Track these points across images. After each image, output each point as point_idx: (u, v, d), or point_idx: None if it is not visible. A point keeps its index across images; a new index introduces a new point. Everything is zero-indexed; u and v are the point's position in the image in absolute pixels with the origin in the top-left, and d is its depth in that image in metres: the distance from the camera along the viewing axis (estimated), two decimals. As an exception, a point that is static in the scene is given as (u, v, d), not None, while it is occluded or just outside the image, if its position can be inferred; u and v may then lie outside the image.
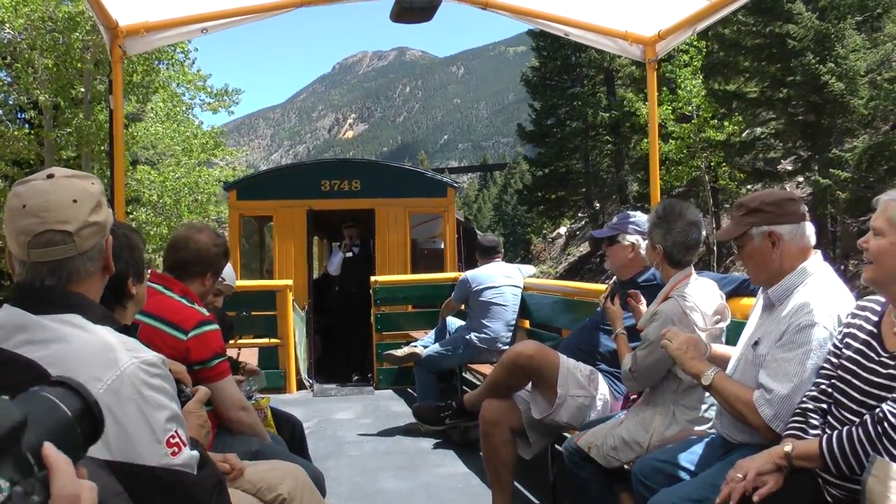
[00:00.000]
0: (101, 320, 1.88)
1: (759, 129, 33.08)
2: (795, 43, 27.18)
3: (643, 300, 4.21)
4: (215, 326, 3.38)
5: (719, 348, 3.44)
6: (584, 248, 46.81)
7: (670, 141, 28.47)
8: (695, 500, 2.84)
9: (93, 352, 1.76)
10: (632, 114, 32.14)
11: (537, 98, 48.29)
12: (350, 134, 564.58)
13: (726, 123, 28.76)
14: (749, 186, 29.90)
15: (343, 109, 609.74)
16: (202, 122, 29.62)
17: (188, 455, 1.83)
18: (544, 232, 59.02)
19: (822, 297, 2.79)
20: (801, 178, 31.45)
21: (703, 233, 3.82)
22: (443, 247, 12.13)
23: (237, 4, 5.49)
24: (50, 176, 1.89)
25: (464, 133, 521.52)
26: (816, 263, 2.93)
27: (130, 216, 24.44)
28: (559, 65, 45.18)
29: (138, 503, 1.66)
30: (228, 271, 4.15)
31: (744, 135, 31.91)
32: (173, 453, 1.79)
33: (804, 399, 2.66)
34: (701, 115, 28.57)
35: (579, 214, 51.53)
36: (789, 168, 31.88)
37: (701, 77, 28.98)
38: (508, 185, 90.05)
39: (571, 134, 45.24)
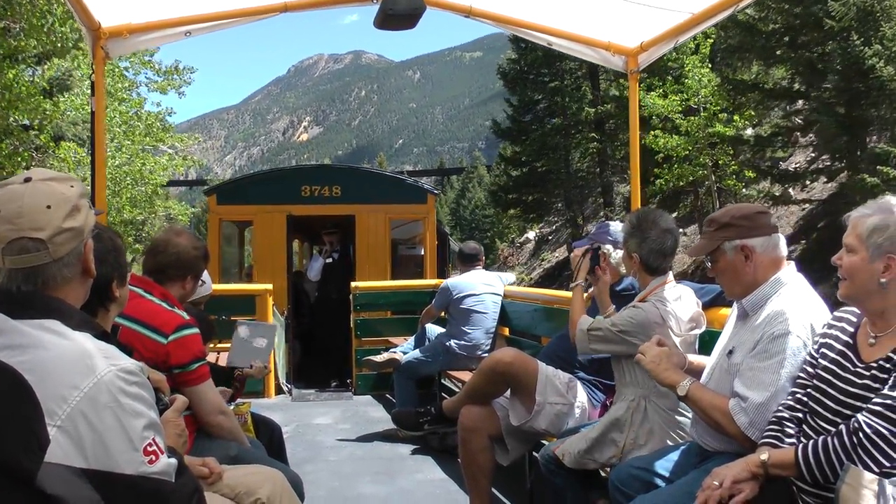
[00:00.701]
0: (79, 326, 1.85)
1: (771, 123, 28.59)
2: (833, 23, 22.29)
3: (608, 271, 4.32)
4: (195, 330, 3.38)
5: (695, 358, 3.48)
6: (560, 253, 44.30)
7: (674, 136, 25.98)
8: None
9: (70, 359, 1.74)
10: (623, 108, 28.46)
11: (515, 93, 44.21)
12: (305, 137, 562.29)
13: (736, 118, 25.76)
14: (756, 187, 26.48)
15: (298, 112, 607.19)
16: (146, 100, 26.52)
17: (166, 463, 1.80)
18: (512, 236, 57.63)
19: (796, 307, 2.84)
20: (823, 178, 26.20)
21: (679, 239, 3.87)
22: (423, 252, 12.16)
23: (221, 8, 5.49)
24: (27, 179, 1.87)
25: (419, 137, 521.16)
26: (790, 274, 2.98)
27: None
28: (540, 56, 40.12)
29: None
30: (204, 276, 4.16)
31: (756, 129, 28.00)
32: (150, 461, 1.76)
33: (780, 408, 2.70)
34: (710, 107, 25.92)
35: (551, 218, 48.95)
36: (805, 166, 27.70)
37: (709, 66, 26.57)
38: (466, 189, 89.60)
39: (552, 131, 41.15)
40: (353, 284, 9.54)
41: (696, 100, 25.95)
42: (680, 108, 25.83)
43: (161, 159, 26.95)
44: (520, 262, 51.51)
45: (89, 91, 5.45)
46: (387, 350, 7.71)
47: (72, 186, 1.93)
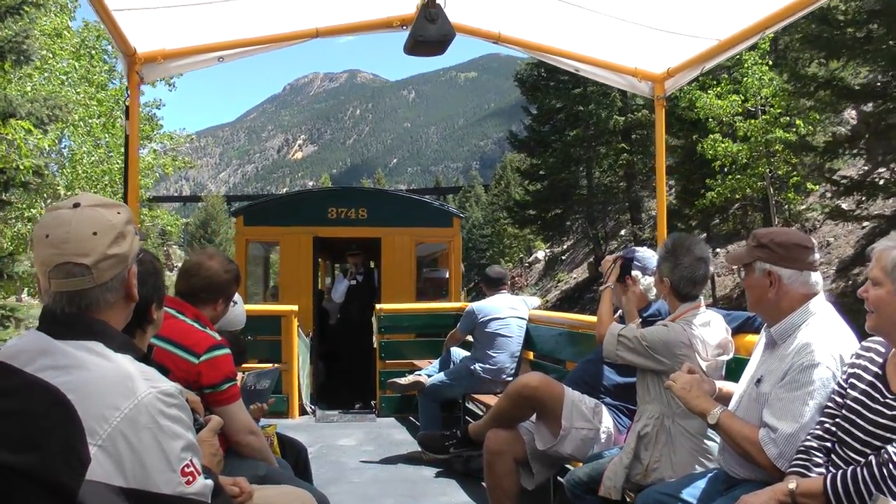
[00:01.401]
0: (121, 348, 1.91)
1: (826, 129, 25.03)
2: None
3: (640, 285, 4.45)
4: (227, 351, 3.42)
5: (724, 384, 3.48)
6: (578, 273, 42.46)
7: (734, 144, 22.45)
8: None
9: (112, 380, 1.79)
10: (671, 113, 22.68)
11: (534, 100, 41.13)
12: (299, 155, 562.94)
13: (799, 122, 21.63)
14: (819, 201, 24.28)
15: (293, 130, 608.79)
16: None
17: (202, 484, 1.84)
18: (520, 256, 56.65)
19: (825, 337, 2.84)
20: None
21: (711, 268, 3.88)
22: (447, 276, 12.17)
23: (253, 34, 5.57)
24: (76, 205, 1.93)
25: (413, 157, 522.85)
26: (819, 304, 2.98)
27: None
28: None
29: None
30: (239, 313, 4.20)
31: (815, 136, 23.71)
32: (188, 482, 1.80)
33: (808, 437, 2.70)
34: (771, 110, 22.40)
35: (562, 238, 47.22)
36: (859, 178, 22.21)
37: (769, 62, 23.10)
38: (463, 208, 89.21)
39: (574, 141, 37.75)
40: (377, 306, 9.57)
41: (756, 101, 22.73)
42: (739, 111, 22.70)
43: (146, 156, 24.47)
44: (529, 282, 50.20)
45: (122, 115, 5.52)
46: (411, 373, 7.73)
47: (118, 213, 1.97)
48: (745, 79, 22.58)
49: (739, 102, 22.60)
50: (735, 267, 3.22)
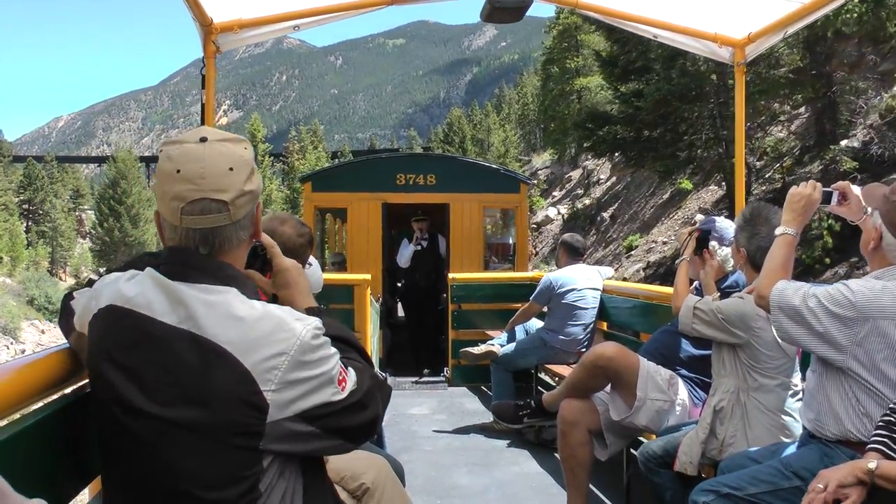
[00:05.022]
0: (252, 295, 1.93)
1: None
2: None
3: (716, 257, 4.37)
4: None
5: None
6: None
7: None
8: (732, 488, 2.85)
9: (268, 328, 1.84)
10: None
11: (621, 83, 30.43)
12: (224, 120, 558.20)
13: None
14: None
15: (218, 95, 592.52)
16: None
17: (352, 382, 1.97)
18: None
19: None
20: None
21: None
22: (511, 241, 12.11)
23: (329, 2, 5.57)
24: (203, 139, 1.89)
25: (340, 123, 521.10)
26: None
27: None
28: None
29: (330, 432, 1.92)
30: (317, 275, 4.22)
31: None
32: (343, 388, 1.93)
33: (888, 412, 2.62)
34: None
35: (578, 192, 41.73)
36: None
37: None
38: None
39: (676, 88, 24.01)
40: (450, 276, 9.58)
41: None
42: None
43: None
44: (541, 247, 38.87)
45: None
46: (483, 342, 7.73)
47: (246, 149, 1.96)
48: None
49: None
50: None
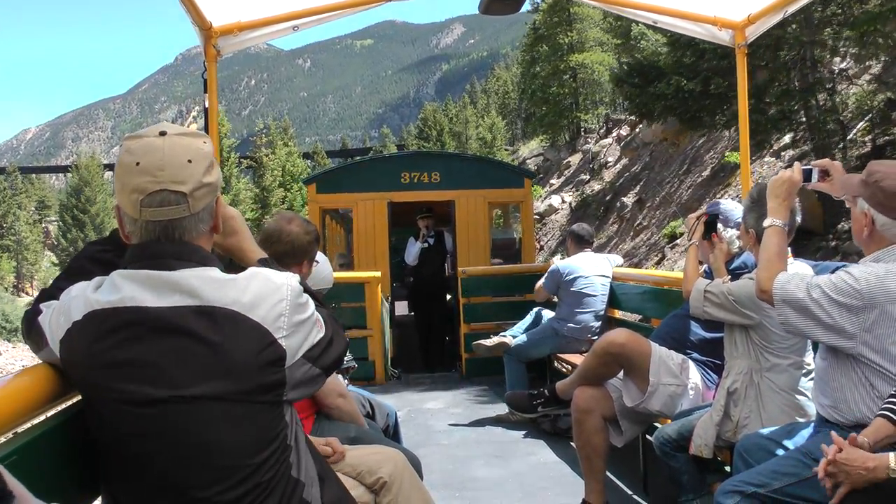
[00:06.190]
0: (227, 270, 2.00)
1: None
2: None
3: (724, 240, 4.37)
4: None
5: None
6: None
7: None
8: (756, 486, 2.85)
9: (260, 284, 1.95)
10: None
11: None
12: (194, 127, 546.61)
13: None
14: None
15: (186, 101, 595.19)
16: None
17: (322, 320, 2.11)
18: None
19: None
20: None
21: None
22: (515, 236, 12.08)
23: (327, 1, 5.58)
24: (162, 133, 1.92)
25: (310, 126, 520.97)
26: None
27: None
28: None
29: (322, 368, 2.06)
30: (326, 271, 4.24)
31: None
32: (321, 327, 2.08)
33: None
34: None
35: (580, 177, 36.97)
36: None
37: None
38: None
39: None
40: (460, 269, 9.60)
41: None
42: None
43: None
44: (546, 240, 33.82)
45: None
46: (495, 334, 7.75)
47: (205, 143, 1.99)
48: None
49: None
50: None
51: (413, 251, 11.20)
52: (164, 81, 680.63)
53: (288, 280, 1.99)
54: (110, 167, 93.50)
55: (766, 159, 18.91)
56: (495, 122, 68.78)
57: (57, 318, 1.99)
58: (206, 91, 5.62)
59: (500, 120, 70.44)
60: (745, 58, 6.00)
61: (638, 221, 24.97)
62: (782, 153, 17.66)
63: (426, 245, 11.10)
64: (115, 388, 1.85)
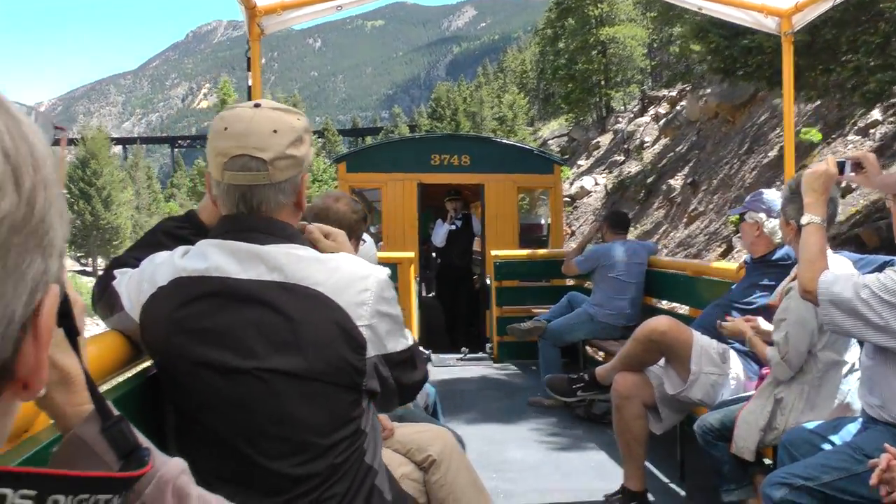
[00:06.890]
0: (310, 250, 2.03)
1: None
2: None
3: (765, 226, 4.41)
4: None
5: None
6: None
7: None
8: (805, 479, 2.85)
9: (349, 269, 1.96)
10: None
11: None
12: (204, 104, 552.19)
13: None
14: None
15: (197, 79, 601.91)
16: None
17: (408, 336, 2.11)
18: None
19: None
20: None
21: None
22: (543, 222, 12.04)
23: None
24: (257, 105, 1.96)
25: (321, 106, 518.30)
26: None
27: None
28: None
29: (398, 383, 2.04)
30: (372, 252, 4.26)
31: None
32: (406, 338, 2.08)
33: None
34: None
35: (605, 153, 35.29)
36: None
37: None
38: None
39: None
40: (492, 252, 9.61)
41: None
42: None
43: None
44: (578, 225, 29.40)
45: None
46: (529, 318, 7.76)
47: (298, 119, 2.00)
48: None
49: None
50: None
51: (441, 233, 11.23)
52: (175, 58, 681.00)
53: (378, 272, 2.00)
54: (119, 140, 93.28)
55: (849, 137, 16.98)
56: (516, 99, 63.69)
57: (138, 284, 2.03)
58: (248, 69, 5.66)
59: (522, 97, 65.81)
60: (791, 46, 5.94)
61: (692, 207, 22.39)
62: (870, 130, 15.91)
63: (454, 227, 11.11)
64: (197, 354, 1.89)
